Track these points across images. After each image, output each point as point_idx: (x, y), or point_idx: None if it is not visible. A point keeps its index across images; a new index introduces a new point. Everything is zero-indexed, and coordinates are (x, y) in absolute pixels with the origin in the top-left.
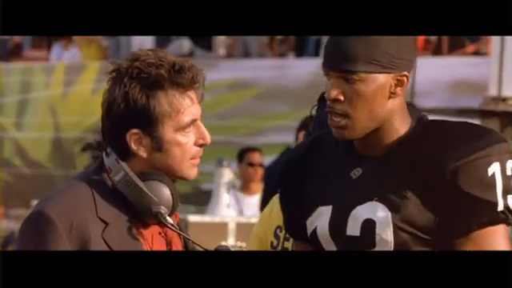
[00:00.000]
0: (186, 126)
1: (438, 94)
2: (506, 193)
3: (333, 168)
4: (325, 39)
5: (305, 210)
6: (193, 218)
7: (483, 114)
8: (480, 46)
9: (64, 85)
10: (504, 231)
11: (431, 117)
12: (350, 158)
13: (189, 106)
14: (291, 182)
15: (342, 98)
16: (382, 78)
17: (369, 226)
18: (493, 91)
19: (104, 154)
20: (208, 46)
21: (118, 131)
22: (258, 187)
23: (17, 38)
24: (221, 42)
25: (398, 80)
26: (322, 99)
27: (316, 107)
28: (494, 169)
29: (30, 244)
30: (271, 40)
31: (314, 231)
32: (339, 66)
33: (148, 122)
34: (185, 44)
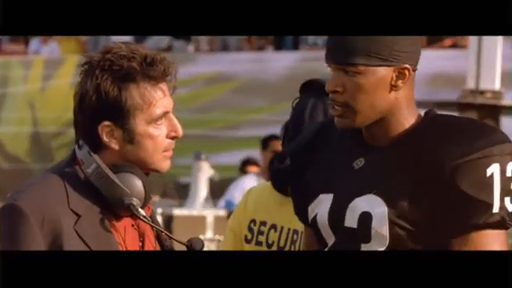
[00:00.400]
0: (158, 118)
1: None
2: (503, 195)
3: (337, 156)
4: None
5: (308, 196)
6: (171, 212)
7: (461, 106)
8: (458, 39)
9: (42, 79)
10: (500, 235)
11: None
12: (355, 147)
13: (160, 99)
14: (298, 167)
15: (340, 89)
16: (382, 71)
17: (365, 219)
18: (471, 84)
19: (76, 146)
20: (186, 40)
21: (90, 123)
22: None
23: None
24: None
25: (399, 73)
26: (301, 91)
27: (297, 100)
28: (494, 169)
29: (2, 236)
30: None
31: (314, 218)
32: (339, 58)
33: (120, 115)
34: (163, 38)
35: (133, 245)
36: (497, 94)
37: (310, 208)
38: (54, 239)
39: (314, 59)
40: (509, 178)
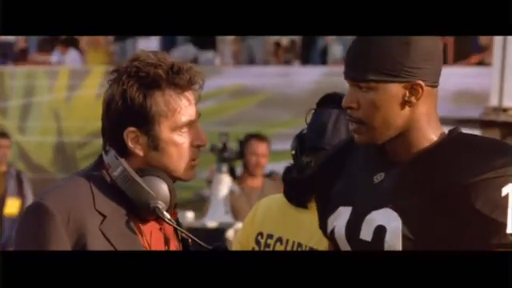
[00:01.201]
0: (183, 125)
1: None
2: None
3: (359, 170)
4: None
5: (329, 208)
6: (191, 224)
7: (484, 124)
8: (485, 56)
9: (68, 89)
10: None
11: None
12: (377, 161)
13: (185, 107)
14: (324, 180)
15: (355, 105)
16: (394, 87)
17: (380, 232)
18: (494, 101)
19: (103, 151)
20: (212, 52)
21: (116, 129)
22: None
23: (22, 42)
24: (226, 48)
25: (411, 89)
26: (320, 104)
27: (313, 111)
28: (509, 190)
29: (28, 235)
30: (277, 47)
31: (333, 231)
32: (353, 74)
33: (144, 121)
34: (189, 49)
35: (158, 248)
36: None
37: (329, 220)
38: (79, 238)
39: (340, 74)
40: None
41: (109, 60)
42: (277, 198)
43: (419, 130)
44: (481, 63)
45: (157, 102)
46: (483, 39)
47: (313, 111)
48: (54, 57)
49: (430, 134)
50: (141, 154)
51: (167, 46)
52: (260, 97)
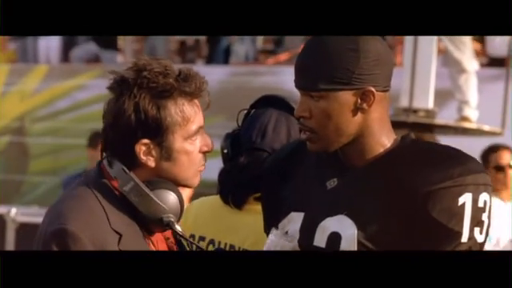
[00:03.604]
0: (194, 134)
1: None
2: (473, 225)
3: (311, 174)
4: (235, 46)
5: (279, 212)
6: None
7: (394, 124)
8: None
9: None
10: None
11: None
12: (329, 167)
13: (196, 114)
14: (271, 182)
15: (307, 114)
16: (345, 95)
17: (334, 239)
18: (404, 102)
19: (106, 163)
20: (114, 51)
21: (126, 142)
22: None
23: None
24: (127, 46)
25: (362, 95)
26: (254, 106)
27: (245, 112)
28: (466, 199)
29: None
30: (180, 46)
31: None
32: (303, 84)
33: (158, 132)
34: (91, 48)
35: None
36: (430, 113)
37: (280, 225)
38: None
39: (244, 74)
40: (480, 208)
41: (8, 59)
42: (208, 200)
43: (372, 136)
44: None
45: (170, 113)
46: (389, 39)
47: (245, 112)
48: None
49: (384, 139)
50: (152, 165)
51: (68, 45)
52: None
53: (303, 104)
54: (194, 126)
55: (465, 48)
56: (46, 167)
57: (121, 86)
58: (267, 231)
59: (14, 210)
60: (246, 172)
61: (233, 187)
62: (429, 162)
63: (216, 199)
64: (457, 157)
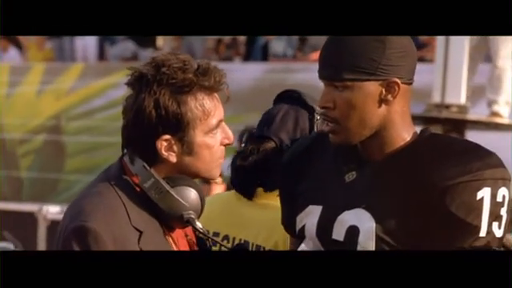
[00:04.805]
0: (214, 127)
1: None
2: (491, 219)
3: (330, 168)
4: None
5: (297, 205)
6: None
7: (426, 120)
8: (425, 52)
9: (8, 85)
10: None
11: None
12: (348, 160)
13: (216, 108)
14: (289, 176)
15: (331, 105)
16: (370, 85)
17: (353, 233)
18: (436, 98)
19: (128, 159)
20: (152, 49)
21: (148, 138)
22: None
23: None
24: (165, 45)
25: (387, 86)
26: (276, 101)
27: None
28: (484, 193)
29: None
30: (218, 43)
31: (302, 228)
32: (327, 74)
33: (179, 128)
34: (129, 46)
35: None
36: (462, 109)
37: (298, 218)
38: None
39: (281, 71)
40: (499, 202)
41: (47, 57)
42: (221, 196)
43: (394, 129)
44: (420, 59)
45: (191, 108)
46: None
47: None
48: None
49: (404, 133)
50: (174, 160)
51: (105, 43)
52: None
53: (327, 95)
54: (214, 120)
55: (502, 45)
56: (82, 165)
57: (140, 83)
58: (285, 226)
59: (45, 208)
60: (250, 159)
61: (239, 173)
62: (447, 157)
63: (229, 195)
64: (475, 151)
